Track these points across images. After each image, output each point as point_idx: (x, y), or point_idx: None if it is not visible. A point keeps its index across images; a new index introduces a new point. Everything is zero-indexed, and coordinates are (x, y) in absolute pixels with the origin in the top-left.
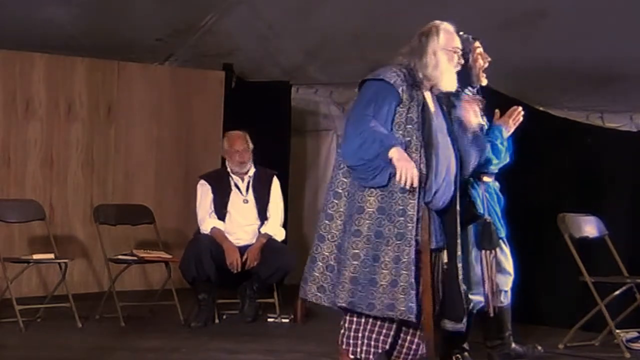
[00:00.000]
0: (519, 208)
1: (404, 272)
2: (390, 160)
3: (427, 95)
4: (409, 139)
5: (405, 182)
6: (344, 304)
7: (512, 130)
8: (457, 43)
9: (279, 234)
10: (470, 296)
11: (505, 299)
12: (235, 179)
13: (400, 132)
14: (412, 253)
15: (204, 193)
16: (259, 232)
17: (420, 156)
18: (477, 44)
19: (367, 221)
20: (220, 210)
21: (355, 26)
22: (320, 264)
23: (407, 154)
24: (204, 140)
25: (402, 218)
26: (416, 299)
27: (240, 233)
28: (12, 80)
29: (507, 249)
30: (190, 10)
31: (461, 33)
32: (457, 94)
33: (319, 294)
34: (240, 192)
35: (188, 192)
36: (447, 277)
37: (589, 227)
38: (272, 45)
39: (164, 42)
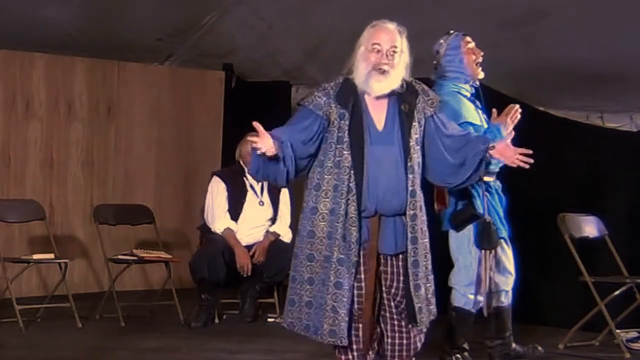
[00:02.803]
0: (518, 208)
1: (328, 295)
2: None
3: (371, 103)
4: (339, 159)
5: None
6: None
7: (510, 128)
8: (379, 39)
9: (287, 235)
10: (469, 296)
11: (506, 299)
12: (250, 179)
13: (332, 152)
14: (338, 277)
15: (220, 191)
16: (267, 231)
17: (349, 176)
18: (468, 38)
19: (302, 244)
20: (235, 210)
21: (355, 26)
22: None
23: (337, 174)
24: (204, 140)
25: (328, 241)
26: (348, 320)
27: (252, 232)
28: (12, 80)
29: (508, 249)
30: (190, 10)
31: (451, 31)
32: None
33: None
34: (256, 194)
35: (188, 192)
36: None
37: (589, 227)
38: (272, 45)
39: (164, 42)
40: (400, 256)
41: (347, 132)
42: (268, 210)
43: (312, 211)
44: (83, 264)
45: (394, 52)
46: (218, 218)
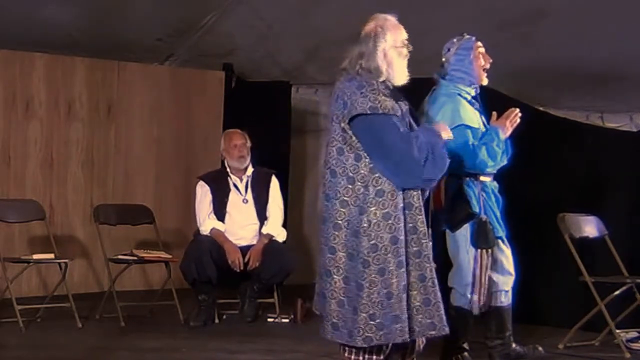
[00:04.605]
0: (519, 208)
1: (431, 288)
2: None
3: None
4: None
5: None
6: (380, 342)
7: (509, 132)
8: (404, 35)
9: (281, 235)
10: (469, 295)
11: (506, 299)
12: (234, 178)
13: None
14: (433, 269)
15: (203, 194)
16: (260, 232)
17: None
18: (480, 44)
19: (381, 252)
20: (220, 211)
21: (355, 26)
22: (333, 301)
23: None
24: (204, 140)
25: (414, 235)
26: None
27: (241, 233)
28: (12, 80)
29: (507, 249)
30: (190, 10)
31: (464, 34)
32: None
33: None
34: (239, 192)
35: (188, 192)
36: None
37: (589, 227)
38: (272, 45)
39: (164, 42)
40: None
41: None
42: (252, 209)
43: (409, 207)
44: (83, 264)
45: None
46: (203, 220)
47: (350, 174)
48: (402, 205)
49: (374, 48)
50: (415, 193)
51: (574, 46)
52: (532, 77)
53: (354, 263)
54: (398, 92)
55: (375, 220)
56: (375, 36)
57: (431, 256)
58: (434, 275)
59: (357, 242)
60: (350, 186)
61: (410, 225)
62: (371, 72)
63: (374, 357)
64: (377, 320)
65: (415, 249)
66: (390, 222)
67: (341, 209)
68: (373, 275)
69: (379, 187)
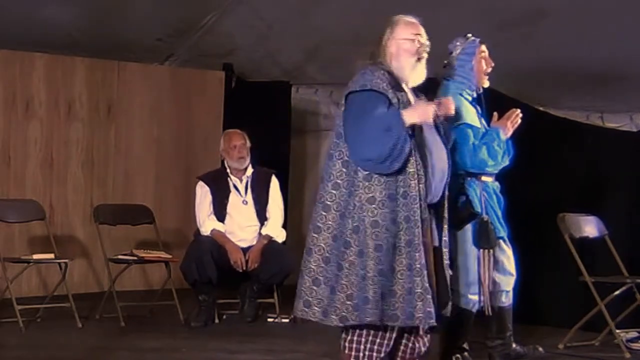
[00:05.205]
0: (519, 208)
1: (417, 278)
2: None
3: (409, 94)
4: None
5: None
6: (355, 322)
7: (510, 133)
8: (413, 30)
9: (280, 235)
10: (469, 296)
11: (507, 299)
12: (233, 179)
13: None
14: (422, 258)
15: (203, 195)
16: (260, 233)
17: (415, 158)
18: (484, 47)
19: (361, 234)
20: (220, 212)
21: (355, 26)
22: (309, 279)
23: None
24: (204, 140)
25: (407, 224)
26: (433, 302)
27: (241, 234)
28: (12, 80)
29: (508, 249)
30: (190, 10)
31: (469, 35)
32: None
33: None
34: (239, 193)
35: (188, 192)
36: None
37: (589, 227)
38: (272, 45)
39: (164, 42)
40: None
41: None
42: (252, 210)
43: (404, 195)
44: (83, 264)
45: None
46: (204, 221)
47: (346, 158)
48: (390, 192)
49: (379, 41)
50: (412, 182)
51: (574, 46)
52: (532, 77)
53: (337, 244)
54: (399, 85)
55: (359, 203)
56: (385, 31)
57: (420, 246)
58: (423, 265)
59: (343, 223)
60: (344, 169)
61: (405, 214)
62: (380, 64)
63: (377, 340)
64: (354, 301)
65: (407, 237)
66: (373, 206)
67: (332, 191)
68: (352, 257)
69: (368, 172)
